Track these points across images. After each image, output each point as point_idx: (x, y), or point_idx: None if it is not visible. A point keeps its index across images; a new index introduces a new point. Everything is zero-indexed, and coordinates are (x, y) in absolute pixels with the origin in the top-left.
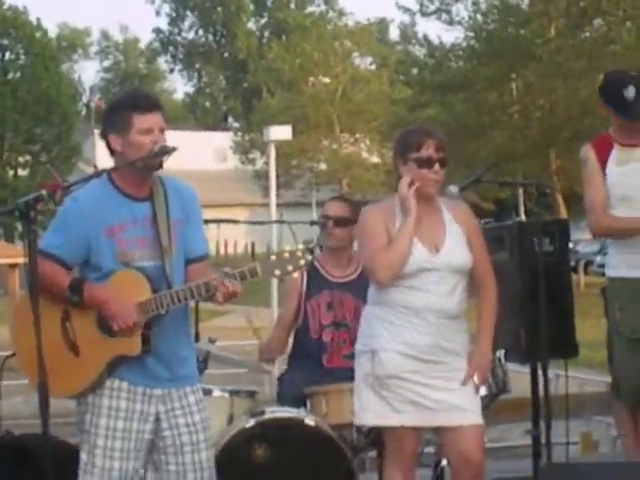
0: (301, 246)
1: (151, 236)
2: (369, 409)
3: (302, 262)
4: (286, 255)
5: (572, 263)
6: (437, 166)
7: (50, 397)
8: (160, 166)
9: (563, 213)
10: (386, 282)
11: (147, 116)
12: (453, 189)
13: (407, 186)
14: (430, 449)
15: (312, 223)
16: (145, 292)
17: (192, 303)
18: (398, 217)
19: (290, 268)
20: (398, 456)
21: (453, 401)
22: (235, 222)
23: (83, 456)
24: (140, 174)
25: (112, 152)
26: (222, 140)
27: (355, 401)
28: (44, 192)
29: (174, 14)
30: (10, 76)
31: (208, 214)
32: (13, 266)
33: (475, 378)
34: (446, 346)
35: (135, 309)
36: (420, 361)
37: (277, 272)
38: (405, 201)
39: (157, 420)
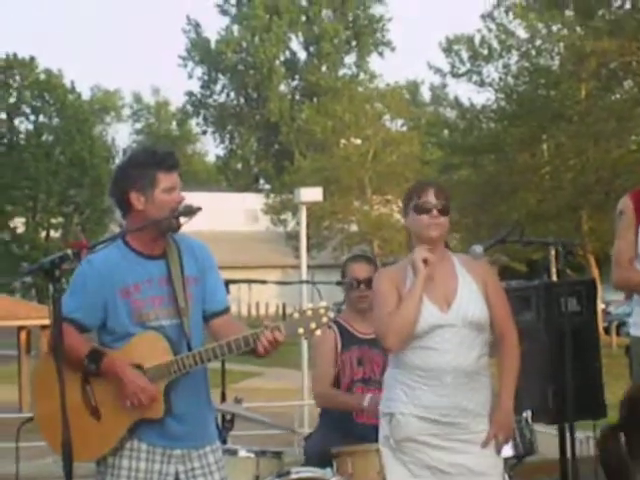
0: (323, 303)
1: (167, 294)
2: (390, 471)
3: (325, 320)
4: (309, 313)
5: (605, 324)
6: (435, 211)
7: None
8: (179, 227)
9: (594, 274)
10: (394, 348)
11: (171, 174)
12: (477, 249)
13: (421, 254)
14: None
15: (338, 283)
16: (166, 353)
17: (218, 363)
18: (409, 278)
19: (313, 326)
20: None
21: (471, 465)
22: (262, 282)
23: None
24: (156, 234)
25: (125, 210)
26: (253, 202)
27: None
28: (69, 251)
29: (206, 77)
30: (43, 138)
31: (239, 275)
32: (45, 327)
33: (498, 438)
34: (466, 406)
35: (151, 385)
36: (438, 424)
37: (300, 330)
38: (415, 262)
39: None
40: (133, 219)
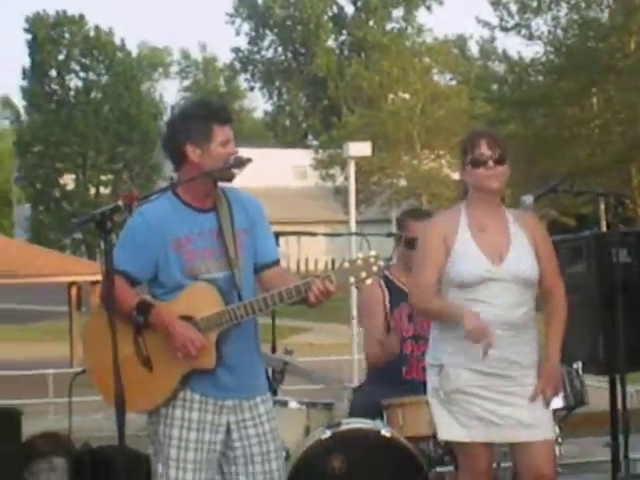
0: (373, 252)
1: (217, 247)
2: (439, 423)
3: (375, 268)
4: (359, 262)
5: None
6: (491, 162)
7: (128, 411)
8: (233, 177)
9: None
10: (416, 307)
11: (226, 127)
12: (527, 199)
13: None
14: (508, 464)
15: (389, 235)
16: (217, 304)
17: (268, 318)
18: (461, 227)
19: (364, 275)
20: (471, 472)
21: (521, 417)
22: (312, 234)
23: (158, 467)
24: (207, 186)
25: (179, 162)
26: (302, 157)
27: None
28: (120, 203)
29: (253, 33)
30: (92, 95)
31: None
32: (95, 283)
33: (546, 392)
34: (515, 359)
35: (200, 335)
36: (486, 376)
37: (351, 280)
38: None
39: (228, 431)
40: (187, 172)
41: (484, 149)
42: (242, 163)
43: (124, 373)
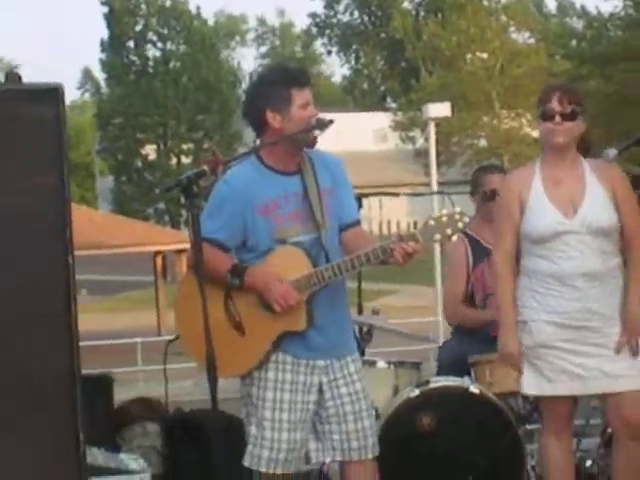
0: (458, 209)
1: (304, 210)
2: (524, 378)
3: (460, 225)
4: (444, 219)
5: None
6: (558, 117)
7: (220, 376)
8: (315, 141)
9: None
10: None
11: (305, 90)
12: (611, 152)
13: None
14: (597, 420)
15: (472, 193)
16: (305, 267)
17: (353, 281)
18: (535, 182)
19: (449, 231)
20: (552, 422)
21: (607, 368)
22: (395, 195)
23: (252, 429)
24: (291, 149)
25: (261, 129)
26: (381, 120)
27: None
28: (205, 167)
29: None
30: (171, 65)
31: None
32: (180, 252)
33: (631, 342)
34: (597, 309)
35: (294, 289)
36: (571, 328)
37: (437, 236)
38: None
39: (320, 391)
40: (269, 138)
41: (554, 104)
42: (324, 124)
43: (216, 339)
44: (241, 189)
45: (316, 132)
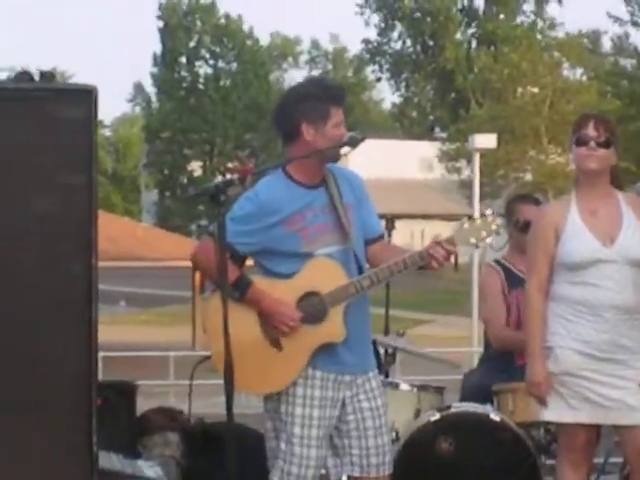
0: (490, 211)
1: (331, 222)
2: (549, 405)
3: (494, 227)
4: (478, 222)
5: None
6: (593, 143)
7: (256, 394)
8: (340, 157)
9: None
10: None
11: (340, 110)
12: None
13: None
14: (617, 459)
15: (506, 222)
16: (341, 277)
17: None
18: (571, 212)
19: (484, 234)
20: (570, 451)
21: (630, 401)
22: (425, 217)
23: (282, 445)
24: (318, 164)
25: (292, 139)
26: (428, 149)
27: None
28: (235, 177)
29: (383, 24)
30: (221, 83)
31: (414, 224)
32: None
33: None
34: (624, 343)
35: (295, 310)
36: (596, 359)
37: (472, 240)
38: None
39: (342, 405)
40: (298, 149)
41: (590, 130)
42: (357, 142)
43: (253, 355)
44: (270, 201)
45: (347, 149)
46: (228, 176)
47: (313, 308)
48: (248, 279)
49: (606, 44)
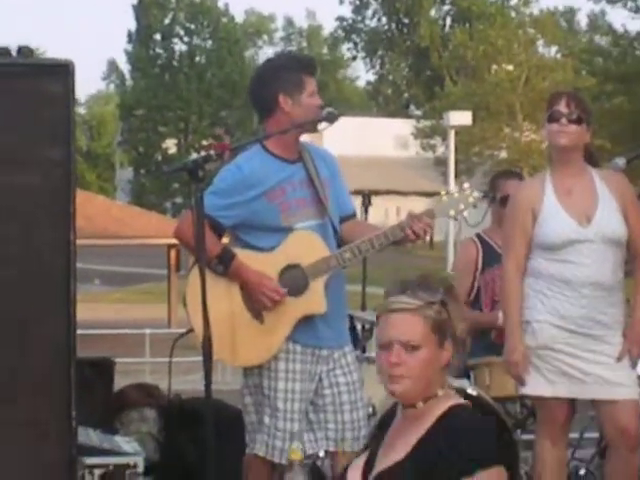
0: (467, 184)
1: (309, 196)
2: (524, 383)
3: (471, 200)
4: (456, 195)
5: None
6: (564, 120)
7: (240, 366)
8: (316, 130)
9: None
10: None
11: (313, 79)
12: (620, 161)
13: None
14: (592, 434)
15: (485, 196)
16: (322, 250)
17: (357, 285)
18: (547, 192)
19: (462, 206)
20: (549, 425)
21: (606, 375)
22: (402, 194)
23: (264, 419)
24: (295, 138)
25: (270, 112)
26: (403, 127)
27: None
28: (212, 152)
29: (358, 2)
30: (196, 60)
31: (388, 201)
32: None
33: (632, 352)
34: (601, 319)
35: (275, 285)
36: (573, 333)
37: (451, 212)
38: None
39: (319, 379)
40: (276, 122)
41: (562, 106)
42: (335, 117)
43: (236, 328)
44: (251, 174)
45: (324, 124)
46: (206, 152)
47: (294, 280)
48: (231, 252)
49: (582, 21)
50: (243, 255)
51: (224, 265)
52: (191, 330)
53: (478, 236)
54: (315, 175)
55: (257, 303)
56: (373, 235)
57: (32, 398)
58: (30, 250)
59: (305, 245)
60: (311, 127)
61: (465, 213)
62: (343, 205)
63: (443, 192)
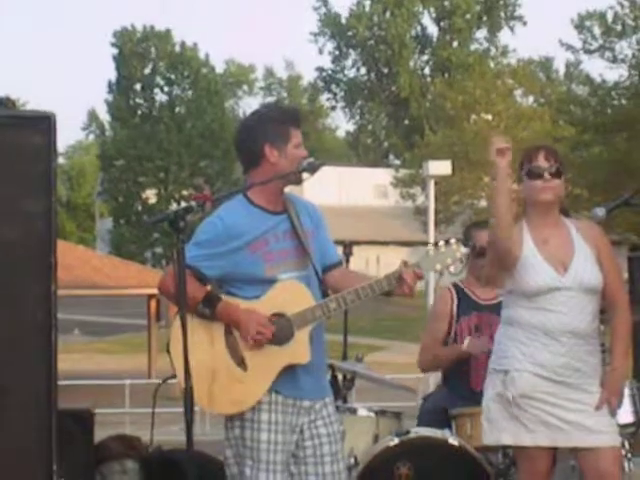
0: (454, 240)
1: (292, 247)
2: (501, 428)
3: (458, 254)
4: (443, 249)
5: None
6: (547, 175)
7: (220, 412)
8: (302, 180)
9: None
10: (501, 242)
11: (299, 131)
12: (599, 211)
13: (495, 145)
14: None
15: (462, 242)
16: (307, 300)
17: (338, 334)
18: (525, 241)
19: (449, 261)
20: (530, 476)
21: (587, 423)
22: (384, 244)
23: (245, 471)
24: (279, 189)
25: (255, 163)
26: (383, 177)
27: (483, 421)
28: (193, 203)
29: (337, 52)
30: (176, 110)
31: (369, 250)
32: None
33: (610, 401)
34: (579, 367)
35: (268, 321)
36: (553, 382)
37: (438, 266)
38: (491, 155)
39: (300, 431)
40: (261, 173)
41: (541, 161)
42: (315, 167)
43: (220, 376)
44: (234, 225)
45: (306, 175)
46: (186, 203)
47: (280, 329)
48: (217, 294)
49: (560, 71)
50: (229, 301)
51: (210, 307)
52: (173, 376)
53: (454, 285)
54: (299, 226)
55: (244, 342)
56: (359, 286)
57: (12, 452)
58: (11, 302)
59: (291, 294)
60: (294, 178)
61: (452, 268)
62: (328, 254)
63: (430, 246)
